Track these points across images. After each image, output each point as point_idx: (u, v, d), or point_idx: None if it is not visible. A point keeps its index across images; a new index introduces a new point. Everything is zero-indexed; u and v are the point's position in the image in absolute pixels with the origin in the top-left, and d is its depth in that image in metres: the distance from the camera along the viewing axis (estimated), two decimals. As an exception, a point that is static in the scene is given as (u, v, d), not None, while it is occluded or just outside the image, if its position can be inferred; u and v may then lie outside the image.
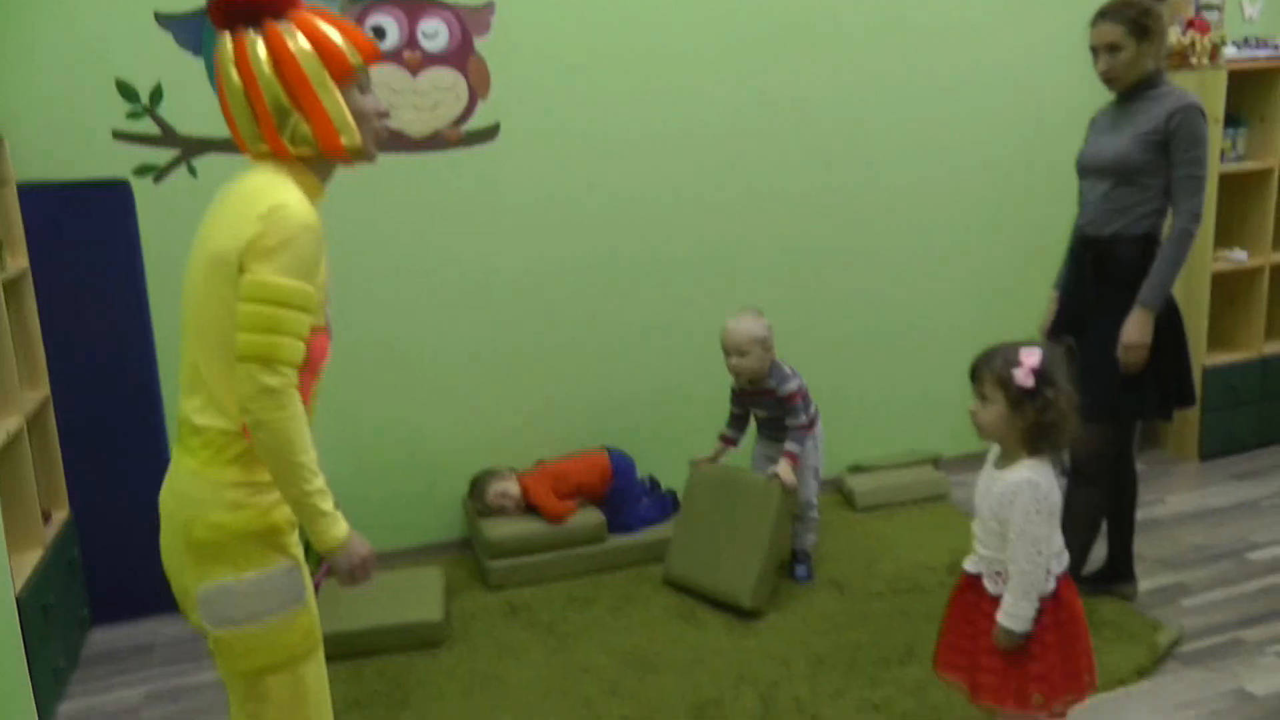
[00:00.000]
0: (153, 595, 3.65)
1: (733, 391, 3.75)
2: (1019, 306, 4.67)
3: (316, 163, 1.91)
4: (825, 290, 4.43)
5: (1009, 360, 2.32)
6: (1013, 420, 2.34)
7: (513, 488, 3.88)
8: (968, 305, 4.67)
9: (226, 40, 1.82)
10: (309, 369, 1.86)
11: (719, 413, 3.80)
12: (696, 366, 4.19)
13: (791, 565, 3.75)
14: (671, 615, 3.51)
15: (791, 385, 3.58)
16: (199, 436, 1.85)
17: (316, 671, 1.97)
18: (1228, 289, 4.84)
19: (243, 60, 1.80)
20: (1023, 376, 2.29)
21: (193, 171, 3.60)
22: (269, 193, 1.79)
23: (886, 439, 4.68)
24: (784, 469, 3.51)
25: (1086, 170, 3.32)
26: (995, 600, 2.41)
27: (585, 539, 3.84)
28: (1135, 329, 3.13)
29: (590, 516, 3.87)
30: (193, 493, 1.85)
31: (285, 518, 1.90)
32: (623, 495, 3.97)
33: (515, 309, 4.03)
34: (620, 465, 4.00)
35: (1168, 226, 3.19)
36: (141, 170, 3.57)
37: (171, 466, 1.92)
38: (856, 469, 4.58)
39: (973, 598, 2.50)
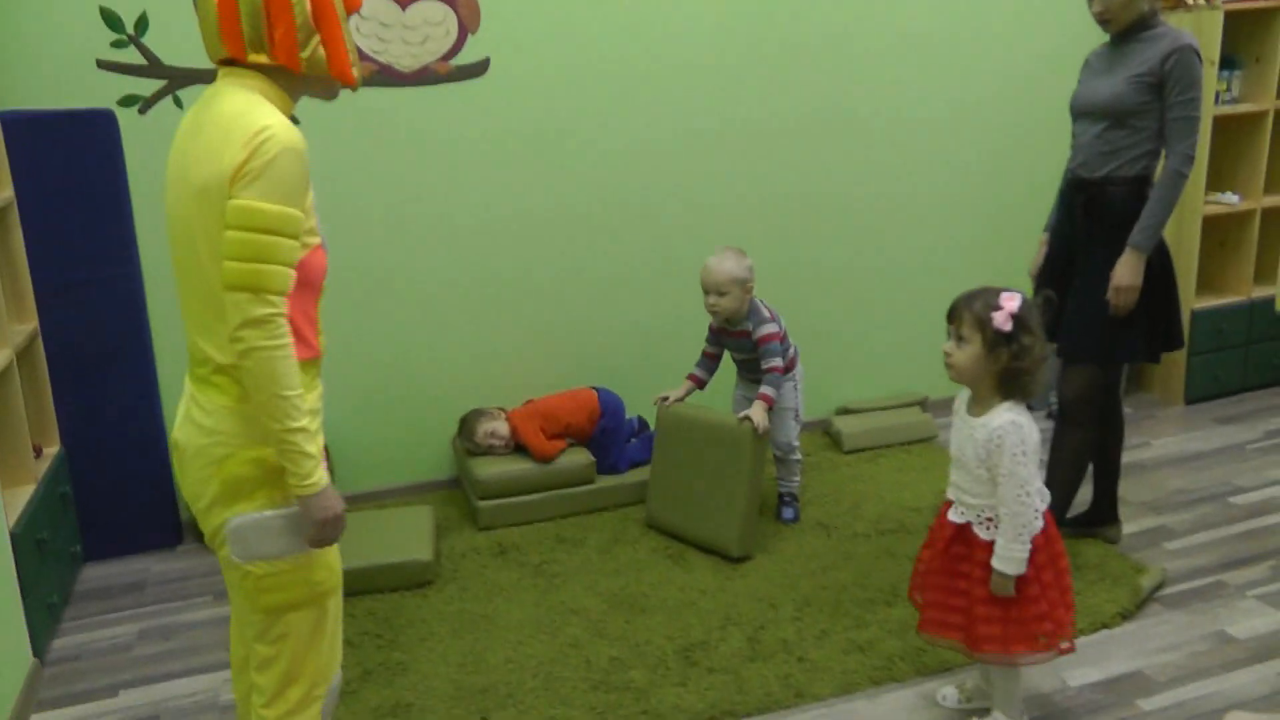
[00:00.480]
0: (143, 531, 3.69)
1: (710, 329, 3.71)
2: (1006, 249, 4.68)
3: (291, 81, 1.87)
4: (813, 231, 4.41)
5: (989, 303, 2.34)
6: (987, 363, 2.35)
7: (502, 427, 3.88)
8: (955, 247, 4.65)
9: None
10: (310, 286, 1.85)
11: (708, 354, 3.80)
12: (686, 306, 4.17)
13: (778, 507, 3.78)
14: (659, 556, 3.54)
15: (768, 328, 3.54)
16: (224, 374, 1.83)
17: (336, 609, 2.00)
18: (1218, 232, 4.83)
19: None
20: (1001, 320, 2.30)
21: (178, 102, 3.54)
22: (251, 115, 1.74)
23: (873, 381, 4.69)
24: (757, 412, 3.45)
25: (1079, 112, 3.28)
26: (986, 546, 2.42)
27: (574, 480, 3.85)
28: (1126, 271, 3.12)
29: (579, 457, 3.88)
30: (227, 427, 1.83)
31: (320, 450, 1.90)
32: (610, 435, 3.97)
33: (503, 246, 4.00)
34: (608, 404, 4.00)
35: (1160, 168, 3.17)
36: (127, 100, 3.50)
37: (191, 404, 1.89)
38: (844, 411, 4.60)
39: (961, 549, 2.51)
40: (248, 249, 1.72)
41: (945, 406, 4.68)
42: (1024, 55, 4.54)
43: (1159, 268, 3.19)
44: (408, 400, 4.01)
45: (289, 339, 1.76)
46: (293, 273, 1.77)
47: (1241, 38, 4.63)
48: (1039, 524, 2.40)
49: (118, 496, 3.63)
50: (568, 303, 4.14)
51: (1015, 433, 2.34)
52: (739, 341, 3.63)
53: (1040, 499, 2.41)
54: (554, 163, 3.99)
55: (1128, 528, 3.61)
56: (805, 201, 4.36)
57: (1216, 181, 4.74)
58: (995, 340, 2.32)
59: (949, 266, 4.64)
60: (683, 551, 3.55)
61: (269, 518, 1.85)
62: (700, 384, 3.74)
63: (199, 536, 3.76)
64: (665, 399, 3.70)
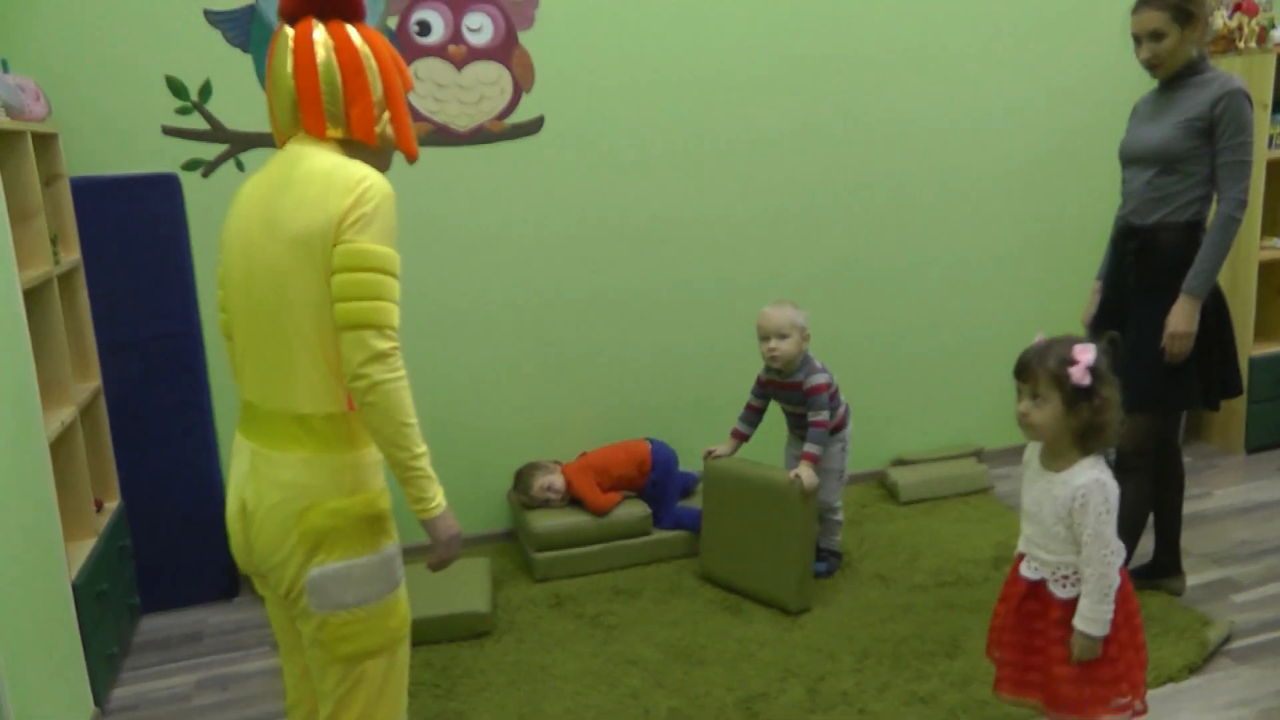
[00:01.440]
0: (200, 584, 3.73)
1: (758, 382, 3.69)
2: (1055, 298, 4.67)
3: (358, 153, 1.97)
4: (864, 287, 4.43)
5: (1063, 358, 2.26)
6: (1067, 420, 2.28)
7: (558, 480, 3.90)
8: (1006, 297, 4.64)
9: (326, 29, 1.90)
10: None
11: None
12: (738, 369, 4.17)
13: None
14: (716, 608, 3.52)
15: (819, 379, 3.52)
16: (303, 425, 1.87)
17: (405, 657, 2.03)
18: (1275, 278, 4.78)
19: (348, 48, 1.90)
20: (1079, 375, 2.24)
21: (240, 165, 3.64)
22: (351, 167, 1.84)
23: (928, 432, 4.67)
24: (805, 472, 3.42)
25: (1129, 159, 3.28)
26: (1063, 605, 2.35)
27: (630, 531, 3.85)
28: (1181, 317, 3.10)
29: (635, 509, 3.89)
30: (306, 480, 1.87)
31: (389, 504, 1.96)
32: (660, 488, 3.97)
33: (558, 304, 4.05)
34: (659, 457, 3.99)
35: (1212, 214, 3.15)
36: (190, 165, 3.61)
37: (259, 461, 1.91)
38: (899, 462, 4.58)
39: (1035, 606, 2.42)
40: (365, 289, 1.79)
41: (1000, 457, 4.68)
42: (1078, 108, 4.56)
43: (1214, 313, 3.17)
44: (463, 452, 4.05)
45: (404, 370, 1.84)
46: (398, 310, 1.85)
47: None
48: (1117, 581, 2.35)
49: (175, 549, 3.70)
50: (624, 356, 4.17)
51: (1100, 491, 2.27)
52: (790, 394, 3.61)
53: (1118, 556, 2.36)
54: (607, 222, 4.05)
55: (1191, 580, 3.54)
56: (854, 259, 4.38)
57: (1272, 226, 4.70)
58: (1074, 396, 2.26)
59: (999, 316, 4.63)
60: (739, 603, 3.54)
61: (350, 567, 1.88)
62: (743, 439, 3.73)
63: (253, 589, 3.79)
64: (711, 453, 3.71)
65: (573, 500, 3.91)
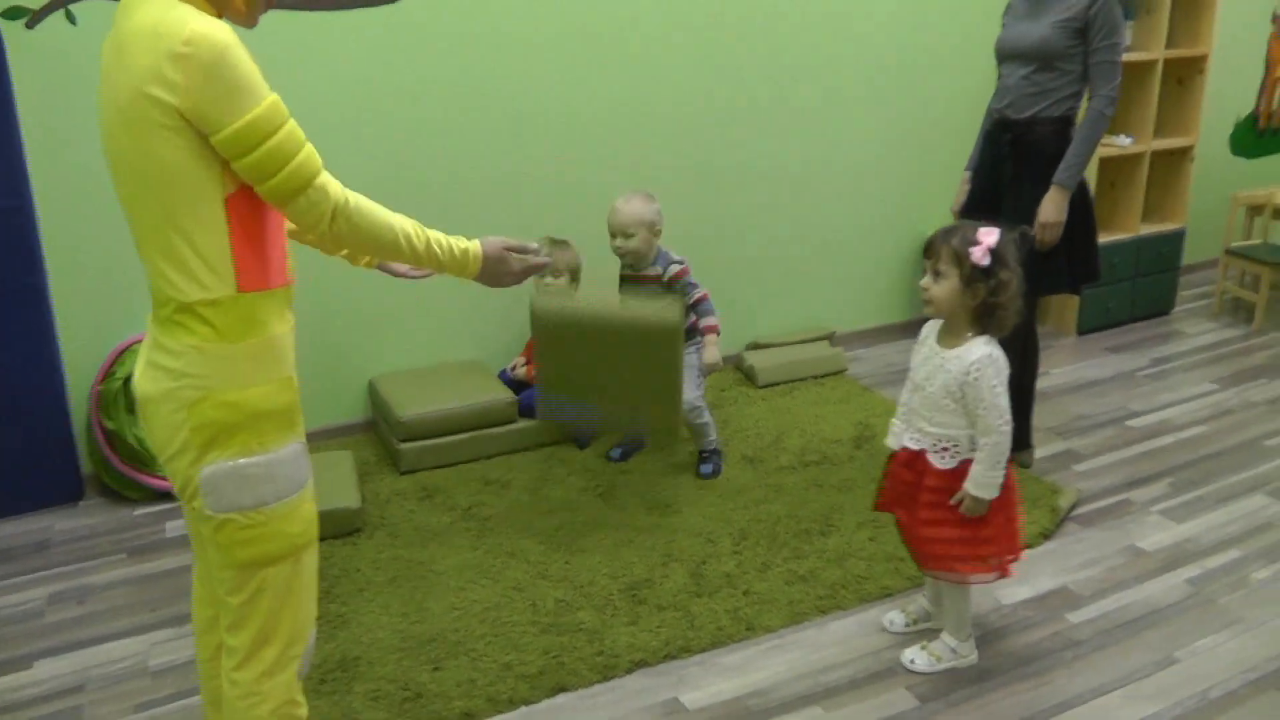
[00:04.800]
0: (43, 486, 3.45)
1: (620, 277, 3.61)
2: (916, 185, 4.76)
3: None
4: (721, 169, 4.36)
5: (967, 238, 2.35)
6: (964, 297, 2.38)
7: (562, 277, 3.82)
8: (863, 183, 4.69)
9: None
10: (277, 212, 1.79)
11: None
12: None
13: (696, 465, 3.66)
14: (589, 495, 3.50)
15: (678, 266, 3.51)
16: (193, 313, 1.69)
17: (311, 564, 1.88)
18: (1111, 173, 5.02)
19: None
20: (979, 255, 2.32)
21: (71, 18, 3.23)
22: (173, 20, 1.57)
23: (782, 316, 4.72)
24: (711, 352, 3.42)
25: (1006, 55, 3.36)
26: (941, 474, 2.47)
27: (496, 420, 3.76)
28: (1051, 207, 3.22)
29: (500, 394, 3.79)
30: (198, 370, 1.69)
31: (296, 394, 1.80)
32: None
33: (414, 188, 3.83)
34: None
35: (1083, 110, 3.26)
36: (10, 13, 3.17)
37: (154, 348, 1.74)
38: (754, 346, 4.62)
39: (910, 475, 2.56)
40: (269, 163, 1.63)
41: (853, 339, 4.79)
42: (943, 4, 4.57)
43: (1081, 205, 3.31)
44: (318, 340, 3.80)
45: (351, 194, 1.75)
46: (311, 147, 1.70)
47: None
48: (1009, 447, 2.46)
49: (13, 449, 3.37)
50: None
51: (992, 365, 2.39)
52: (649, 287, 3.54)
53: (1009, 425, 2.45)
54: (473, 102, 3.82)
55: (1039, 452, 3.75)
56: (711, 138, 4.30)
57: (1111, 125, 4.90)
58: (973, 275, 2.35)
59: (856, 202, 4.68)
60: (613, 489, 3.53)
61: (247, 465, 1.73)
62: None
63: (102, 490, 3.54)
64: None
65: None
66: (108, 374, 3.43)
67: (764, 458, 3.75)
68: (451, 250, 1.92)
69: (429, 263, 1.89)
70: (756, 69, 4.29)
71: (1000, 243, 2.34)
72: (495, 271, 1.99)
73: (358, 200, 1.76)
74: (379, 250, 1.82)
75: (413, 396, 3.72)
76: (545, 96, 3.94)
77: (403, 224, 1.83)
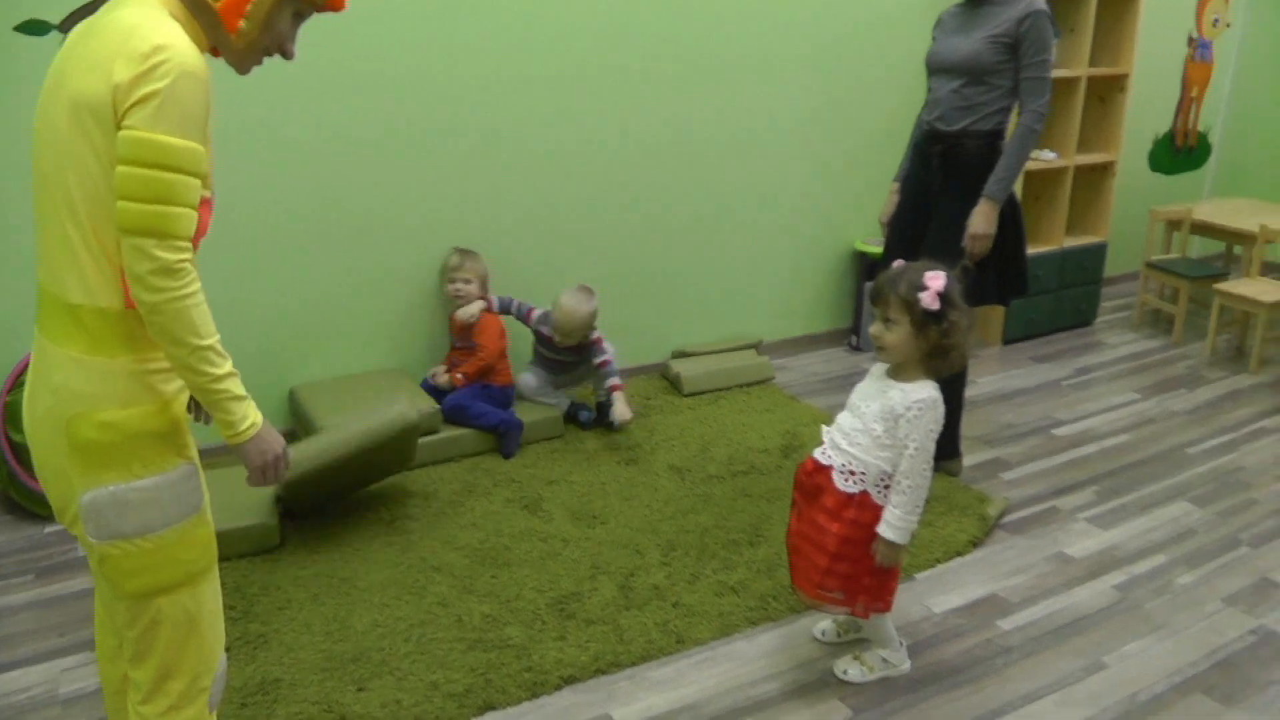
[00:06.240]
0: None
1: (543, 338, 3.98)
2: (841, 195, 4.77)
3: (200, 18, 1.64)
4: (649, 175, 4.33)
5: (914, 283, 2.32)
6: (917, 342, 2.35)
7: (475, 290, 3.89)
8: (790, 192, 4.69)
9: None
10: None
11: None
12: (528, 230, 4.04)
13: (575, 411, 4.07)
14: (514, 507, 3.42)
15: (606, 356, 3.95)
16: (75, 318, 1.58)
17: (212, 590, 1.77)
18: (1036, 186, 5.10)
19: None
20: (929, 300, 2.30)
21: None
22: (150, 29, 1.51)
23: (708, 325, 4.69)
24: (621, 407, 3.86)
25: (937, 68, 3.38)
26: (839, 497, 2.43)
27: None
28: (981, 220, 3.24)
29: (423, 404, 3.69)
30: (76, 385, 1.58)
31: (184, 414, 1.67)
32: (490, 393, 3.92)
33: (336, 201, 3.73)
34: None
35: (1013, 125, 3.29)
36: (29, 26, 3.03)
37: (39, 357, 1.64)
38: (680, 354, 4.58)
39: (810, 485, 2.52)
40: (149, 188, 1.49)
41: (780, 349, 4.80)
42: (865, 10, 4.59)
43: (1010, 218, 3.34)
44: (241, 348, 3.66)
45: (199, 284, 1.56)
46: (196, 215, 1.55)
47: (1058, 8, 4.87)
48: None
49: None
50: (402, 243, 3.92)
51: (934, 410, 2.36)
52: (569, 353, 3.96)
53: (929, 477, 2.42)
54: (403, 89, 3.75)
55: (967, 460, 3.76)
56: (641, 144, 4.27)
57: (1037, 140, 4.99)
58: (925, 320, 2.32)
59: (783, 211, 4.68)
60: (539, 501, 3.45)
61: (125, 490, 1.61)
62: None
63: (10, 507, 3.36)
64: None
65: (465, 341, 3.91)
66: (15, 384, 3.27)
67: (691, 467, 3.71)
68: (242, 400, 1.66)
69: (215, 395, 1.62)
70: (685, 84, 4.27)
71: (947, 285, 2.32)
72: (259, 449, 1.70)
73: (192, 296, 1.55)
74: (178, 349, 1.56)
75: (334, 406, 3.61)
76: (466, 111, 3.87)
77: (215, 345, 1.60)
